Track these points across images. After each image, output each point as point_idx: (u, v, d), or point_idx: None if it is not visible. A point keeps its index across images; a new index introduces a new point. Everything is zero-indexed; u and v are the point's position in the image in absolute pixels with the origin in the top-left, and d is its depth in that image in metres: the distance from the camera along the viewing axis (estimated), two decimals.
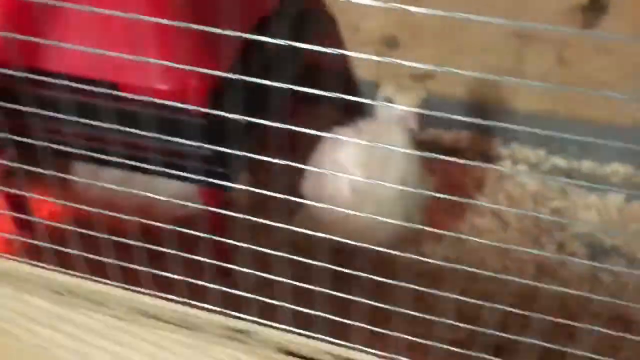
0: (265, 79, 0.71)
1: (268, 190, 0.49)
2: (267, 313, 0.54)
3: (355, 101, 0.42)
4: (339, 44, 1.32)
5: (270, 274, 0.56)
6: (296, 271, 0.56)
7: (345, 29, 1.29)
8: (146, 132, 0.47)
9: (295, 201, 1.17)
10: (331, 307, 0.54)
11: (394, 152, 0.91)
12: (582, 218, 1.20)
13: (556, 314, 0.42)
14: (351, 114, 1.35)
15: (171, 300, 0.52)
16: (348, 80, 1.35)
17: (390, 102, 0.93)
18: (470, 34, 1.16)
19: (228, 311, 0.52)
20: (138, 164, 0.50)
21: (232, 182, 0.75)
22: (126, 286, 0.54)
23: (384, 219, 0.48)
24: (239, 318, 0.51)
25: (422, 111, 0.92)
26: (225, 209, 0.51)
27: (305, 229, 0.98)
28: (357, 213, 0.49)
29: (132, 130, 0.48)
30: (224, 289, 0.54)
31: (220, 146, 0.75)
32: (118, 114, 0.51)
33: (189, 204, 0.53)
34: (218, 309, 0.52)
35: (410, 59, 1.39)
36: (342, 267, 0.52)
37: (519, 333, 0.94)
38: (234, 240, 0.52)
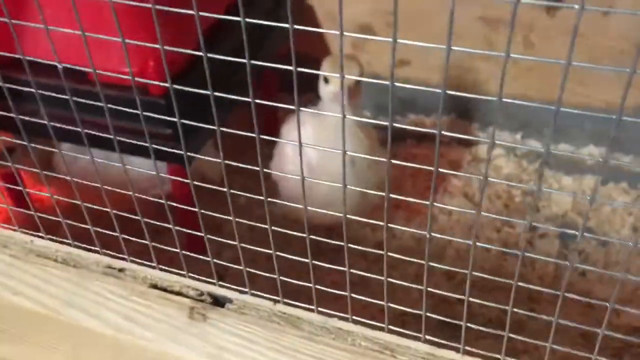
0: (230, 67, 0.76)
1: (240, 178, 0.54)
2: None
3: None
4: (317, 34, 1.36)
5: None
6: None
7: (322, 17, 1.34)
8: (110, 112, 0.52)
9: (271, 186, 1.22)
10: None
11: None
12: (557, 200, 1.24)
13: (519, 291, 0.47)
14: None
15: (59, 242, 0.63)
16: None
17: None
18: (441, 20, 1.21)
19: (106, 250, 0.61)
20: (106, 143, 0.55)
21: (192, 159, 0.80)
22: (25, 231, 0.64)
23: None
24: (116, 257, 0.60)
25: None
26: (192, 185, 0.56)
27: (275, 206, 1.04)
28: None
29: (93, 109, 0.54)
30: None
31: (178, 124, 0.81)
32: (87, 96, 0.56)
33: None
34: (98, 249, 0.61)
35: (385, 48, 1.44)
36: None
37: (480, 310, 0.99)
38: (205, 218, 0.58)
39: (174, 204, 0.56)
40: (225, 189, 0.51)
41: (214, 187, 0.55)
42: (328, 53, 1.37)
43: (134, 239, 0.60)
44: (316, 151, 0.96)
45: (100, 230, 0.60)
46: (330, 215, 0.56)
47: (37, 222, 0.63)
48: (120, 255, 0.60)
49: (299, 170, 0.56)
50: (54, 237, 0.63)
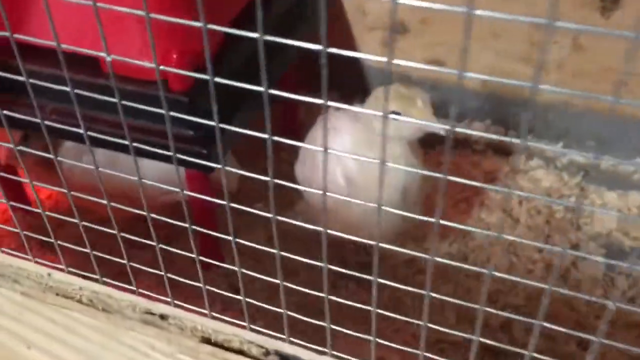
0: (255, 61, 0.70)
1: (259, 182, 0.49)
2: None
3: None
4: (344, 29, 1.32)
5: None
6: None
7: (350, 12, 1.29)
8: (127, 109, 0.47)
9: (288, 187, 1.17)
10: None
11: (390, 141, 0.90)
12: (600, 217, 1.19)
13: (566, 319, 0.42)
14: (353, 99, 1.35)
15: (85, 277, 0.52)
16: (352, 66, 1.35)
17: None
18: (482, 18, 1.16)
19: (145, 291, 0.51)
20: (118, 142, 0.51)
21: (215, 163, 0.76)
22: (41, 261, 0.53)
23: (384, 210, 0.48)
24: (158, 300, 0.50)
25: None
26: (212, 195, 0.51)
27: (300, 217, 0.98)
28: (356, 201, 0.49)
29: (111, 107, 0.49)
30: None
31: (203, 126, 0.76)
32: (99, 90, 0.52)
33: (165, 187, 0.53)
34: (133, 288, 0.51)
35: (419, 44, 1.39)
36: (335, 261, 0.52)
37: (524, 337, 0.94)
38: (220, 228, 0.53)
39: (197, 228, 0.51)
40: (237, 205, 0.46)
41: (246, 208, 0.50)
42: (354, 48, 1.32)
43: (177, 278, 0.52)
44: (357, 163, 0.90)
45: (136, 265, 0.53)
46: (364, 233, 0.51)
47: (56, 248, 0.54)
48: (163, 298, 0.51)
49: (336, 186, 0.50)
50: (77, 271, 0.53)
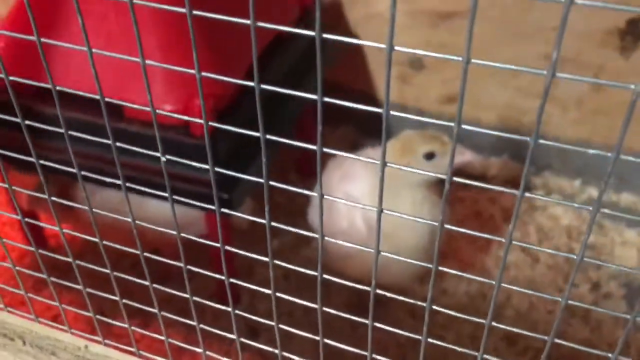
0: (277, 99, 0.71)
1: (274, 219, 0.49)
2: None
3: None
4: (362, 64, 1.32)
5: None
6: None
7: (368, 48, 1.30)
8: (146, 153, 0.47)
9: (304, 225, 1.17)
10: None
11: (408, 184, 0.91)
12: (620, 255, 1.18)
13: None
14: (372, 136, 1.35)
15: (124, 350, 0.51)
16: (370, 101, 1.36)
17: (430, 157, 0.92)
18: (499, 55, 1.16)
19: None
20: (139, 187, 0.51)
21: (236, 208, 0.76)
22: (77, 332, 0.52)
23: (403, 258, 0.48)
24: None
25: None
26: (230, 236, 0.51)
27: (314, 262, 0.98)
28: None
29: (132, 150, 0.49)
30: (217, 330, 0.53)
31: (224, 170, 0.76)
32: (121, 134, 0.52)
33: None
34: None
35: (436, 80, 1.40)
36: (354, 306, 0.52)
37: None
38: (237, 267, 0.52)
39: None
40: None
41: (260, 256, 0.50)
42: (370, 84, 1.33)
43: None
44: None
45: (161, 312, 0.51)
46: (387, 276, 0.51)
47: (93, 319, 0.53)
48: None
49: (357, 231, 0.50)
50: (114, 343, 0.52)
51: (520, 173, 1.30)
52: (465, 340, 0.98)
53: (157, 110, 0.35)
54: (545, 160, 1.29)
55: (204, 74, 0.33)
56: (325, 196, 0.37)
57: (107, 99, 0.39)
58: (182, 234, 0.52)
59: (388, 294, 0.43)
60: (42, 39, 0.41)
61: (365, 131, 1.37)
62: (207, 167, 0.39)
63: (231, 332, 0.53)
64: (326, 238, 0.44)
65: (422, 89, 1.29)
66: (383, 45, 0.30)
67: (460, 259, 1.14)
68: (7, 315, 0.54)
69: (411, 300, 0.43)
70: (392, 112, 0.33)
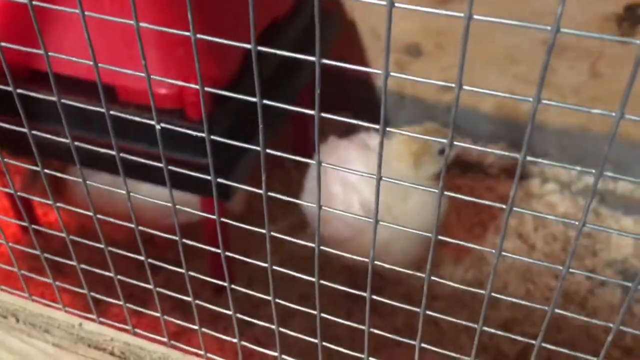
0: (273, 85, 0.71)
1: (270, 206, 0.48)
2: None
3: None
4: (359, 51, 1.32)
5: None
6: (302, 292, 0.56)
7: (365, 35, 1.29)
8: (142, 138, 0.47)
9: (297, 217, 1.17)
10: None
11: (421, 178, 0.92)
12: (617, 243, 1.18)
13: (584, 347, 0.42)
14: (368, 122, 1.34)
15: (119, 328, 0.51)
16: (365, 87, 1.35)
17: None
18: (497, 43, 1.16)
19: (182, 345, 0.50)
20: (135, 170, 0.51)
21: (232, 193, 0.76)
22: (72, 310, 0.52)
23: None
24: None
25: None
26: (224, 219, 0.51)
27: (309, 248, 0.98)
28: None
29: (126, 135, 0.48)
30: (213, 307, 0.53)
31: (220, 155, 0.76)
32: (115, 118, 0.51)
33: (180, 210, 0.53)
34: (165, 340, 0.50)
35: (434, 68, 1.39)
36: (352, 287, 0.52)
37: None
38: (233, 252, 0.52)
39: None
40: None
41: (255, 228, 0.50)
42: (368, 72, 1.32)
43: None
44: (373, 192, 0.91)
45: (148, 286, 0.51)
46: (383, 261, 0.51)
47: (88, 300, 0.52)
48: (194, 350, 0.50)
49: (351, 212, 0.50)
50: (109, 321, 0.52)
51: (516, 162, 1.30)
52: (460, 327, 0.98)
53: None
54: (542, 148, 1.29)
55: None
56: (322, 164, 0.36)
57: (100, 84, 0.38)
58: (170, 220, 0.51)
59: (387, 266, 0.43)
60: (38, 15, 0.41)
61: (361, 117, 1.37)
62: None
63: (225, 317, 0.53)
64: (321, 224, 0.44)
65: (419, 76, 1.28)
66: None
67: (456, 246, 1.14)
68: (0, 293, 0.54)
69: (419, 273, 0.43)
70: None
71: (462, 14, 0.29)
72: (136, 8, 0.37)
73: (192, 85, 0.34)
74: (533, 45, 1.15)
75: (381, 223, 0.39)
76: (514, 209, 0.34)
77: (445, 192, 0.35)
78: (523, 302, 0.39)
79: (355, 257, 0.44)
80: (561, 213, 1.22)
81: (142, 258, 0.47)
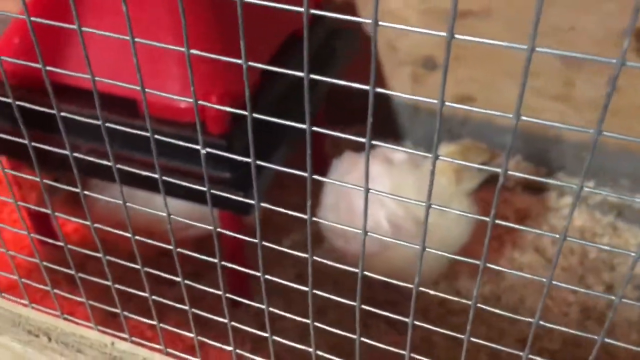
0: (289, 100, 0.71)
1: (286, 218, 0.48)
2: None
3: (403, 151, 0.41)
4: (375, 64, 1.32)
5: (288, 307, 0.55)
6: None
7: (381, 47, 1.30)
8: (162, 151, 0.47)
9: (314, 233, 1.16)
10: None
11: (461, 193, 0.92)
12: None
13: None
14: (384, 137, 1.34)
15: (149, 347, 0.50)
16: (381, 101, 1.35)
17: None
18: (514, 55, 1.16)
19: None
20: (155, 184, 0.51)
21: (251, 207, 0.76)
22: (104, 330, 0.52)
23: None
24: None
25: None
26: (242, 234, 0.51)
27: (328, 256, 0.98)
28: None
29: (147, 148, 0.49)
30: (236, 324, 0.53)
31: (240, 169, 0.76)
32: (135, 130, 0.52)
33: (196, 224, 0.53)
34: None
35: (449, 80, 1.39)
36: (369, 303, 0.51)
37: None
38: (249, 267, 0.52)
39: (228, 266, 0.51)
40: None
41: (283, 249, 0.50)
42: (382, 85, 1.32)
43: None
44: (402, 208, 0.91)
45: (162, 300, 0.51)
46: (403, 277, 0.51)
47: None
48: None
49: (379, 230, 0.50)
50: (141, 341, 0.51)
51: (533, 173, 1.29)
52: (479, 343, 0.97)
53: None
54: (559, 161, 1.28)
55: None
56: (370, 190, 0.36)
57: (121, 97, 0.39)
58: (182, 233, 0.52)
59: (431, 291, 0.43)
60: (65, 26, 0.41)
61: (377, 131, 1.37)
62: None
63: (242, 330, 0.53)
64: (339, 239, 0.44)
65: (434, 89, 1.29)
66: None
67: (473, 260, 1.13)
68: (31, 311, 0.54)
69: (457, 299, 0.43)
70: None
71: (444, 34, 0.29)
72: (158, 23, 0.37)
73: (208, 104, 0.34)
74: (550, 59, 1.15)
75: (406, 244, 0.39)
76: (568, 238, 0.33)
77: (497, 221, 0.35)
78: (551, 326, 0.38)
79: (372, 274, 0.44)
80: (578, 227, 1.21)
81: (160, 273, 0.47)
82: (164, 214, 0.50)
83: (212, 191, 0.45)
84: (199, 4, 0.72)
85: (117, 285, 0.51)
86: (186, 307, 0.51)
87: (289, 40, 0.95)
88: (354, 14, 1.26)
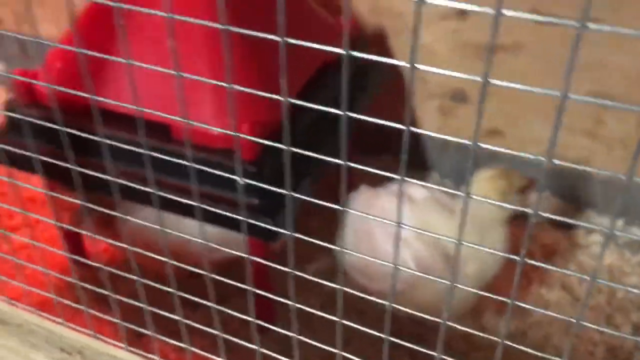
0: (319, 130, 0.72)
1: (308, 245, 0.49)
2: None
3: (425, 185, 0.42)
4: (403, 96, 1.33)
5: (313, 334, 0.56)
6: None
7: (411, 81, 1.30)
8: (193, 176, 0.48)
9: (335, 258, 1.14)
10: None
11: (495, 220, 0.92)
12: None
13: None
14: (412, 167, 1.35)
15: None
16: (412, 137, 1.35)
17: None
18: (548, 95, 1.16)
19: None
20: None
21: (279, 235, 0.76)
22: (135, 350, 0.53)
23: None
24: None
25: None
26: (269, 260, 0.52)
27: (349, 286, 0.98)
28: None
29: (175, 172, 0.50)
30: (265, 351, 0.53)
31: (268, 196, 0.77)
32: (167, 155, 0.53)
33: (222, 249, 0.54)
34: None
35: (476, 113, 1.38)
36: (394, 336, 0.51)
37: None
38: (276, 294, 0.53)
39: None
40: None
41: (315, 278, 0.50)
42: (412, 115, 1.33)
43: None
44: (427, 247, 0.89)
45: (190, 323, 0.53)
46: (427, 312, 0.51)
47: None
48: None
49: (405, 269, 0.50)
50: None
51: (562, 210, 1.28)
52: None
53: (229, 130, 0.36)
54: (588, 198, 1.27)
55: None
56: (401, 225, 0.37)
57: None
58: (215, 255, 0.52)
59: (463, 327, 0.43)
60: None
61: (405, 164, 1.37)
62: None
63: (267, 356, 0.53)
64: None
65: (464, 122, 1.29)
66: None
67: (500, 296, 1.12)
68: (63, 329, 0.55)
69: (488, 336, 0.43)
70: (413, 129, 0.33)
71: (478, 78, 0.30)
72: (194, 49, 0.38)
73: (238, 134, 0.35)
74: (580, 95, 1.15)
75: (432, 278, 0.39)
76: (599, 280, 0.34)
77: (528, 261, 0.35)
78: None
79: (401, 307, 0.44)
80: (606, 265, 1.20)
81: (190, 297, 0.48)
82: (193, 238, 0.51)
83: (243, 218, 0.46)
84: (236, 36, 0.73)
85: (149, 307, 0.52)
86: (215, 332, 0.51)
87: (321, 69, 0.96)
88: (385, 45, 1.27)
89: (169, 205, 0.55)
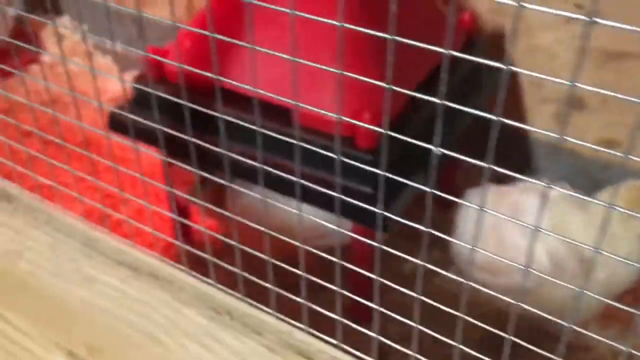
0: (430, 131, 0.71)
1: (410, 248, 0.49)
2: None
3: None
4: (517, 98, 1.30)
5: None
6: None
7: (525, 82, 1.27)
8: (309, 160, 0.50)
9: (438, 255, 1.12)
10: None
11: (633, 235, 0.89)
12: None
13: None
14: (516, 171, 1.31)
15: (326, 341, 0.53)
16: (518, 138, 1.32)
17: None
18: None
19: None
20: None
21: (392, 225, 0.76)
22: (282, 317, 0.55)
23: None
24: None
25: None
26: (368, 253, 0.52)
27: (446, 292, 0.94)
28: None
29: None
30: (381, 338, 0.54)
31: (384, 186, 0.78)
32: (288, 139, 0.55)
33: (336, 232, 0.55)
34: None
35: (596, 122, 1.34)
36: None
37: None
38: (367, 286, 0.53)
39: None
40: None
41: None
42: (524, 120, 1.30)
43: None
44: (564, 244, 0.87)
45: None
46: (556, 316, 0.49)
47: None
48: None
49: (538, 264, 0.49)
50: (318, 334, 0.53)
51: None
52: None
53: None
54: None
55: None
56: (539, 229, 0.36)
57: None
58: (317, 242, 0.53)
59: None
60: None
61: (511, 167, 1.34)
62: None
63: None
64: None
65: (578, 130, 1.24)
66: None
67: (618, 318, 1.08)
68: (216, 291, 0.58)
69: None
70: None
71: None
72: (320, 39, 0.39)
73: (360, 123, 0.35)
74: None
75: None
76: None
77: None
78: None
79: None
80: None
81: (322, 282, 0.49)
82: (305, 219, 0.52)
83: (356, 203, 0.47)
84: (360, 33, 0.74)
85: (307, 275, 0.54)
86: (335, 316, 0.52)
87: (434, 72, 0.96)
88: (502, 46, 1.25)
89: (281, 187, 0.56)
